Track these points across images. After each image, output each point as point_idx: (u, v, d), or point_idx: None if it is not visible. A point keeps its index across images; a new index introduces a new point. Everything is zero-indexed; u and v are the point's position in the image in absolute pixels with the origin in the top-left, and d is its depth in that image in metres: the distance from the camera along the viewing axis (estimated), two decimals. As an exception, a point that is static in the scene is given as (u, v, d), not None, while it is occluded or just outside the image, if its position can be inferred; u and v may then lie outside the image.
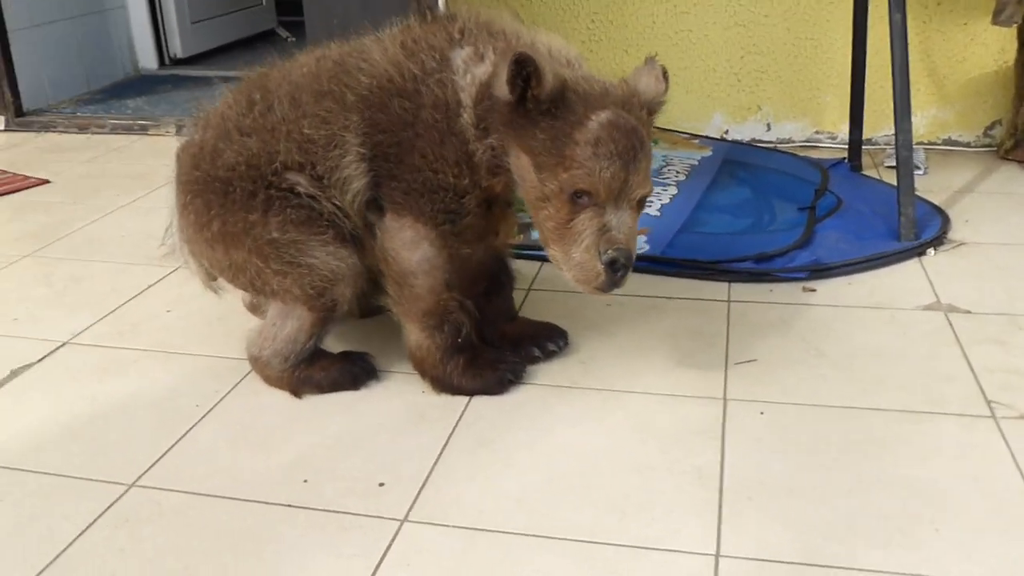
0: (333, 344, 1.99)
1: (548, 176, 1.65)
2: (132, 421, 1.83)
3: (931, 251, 2.50)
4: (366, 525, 1.52)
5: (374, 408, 1.86)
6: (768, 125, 3.56)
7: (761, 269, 2.39)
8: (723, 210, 2.79)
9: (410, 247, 1.80)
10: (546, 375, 1.95)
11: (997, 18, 3.02)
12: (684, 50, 3.54)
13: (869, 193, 2.90)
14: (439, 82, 1.75)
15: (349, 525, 1.52)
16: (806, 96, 3.50)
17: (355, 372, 1.92)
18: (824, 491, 1.57)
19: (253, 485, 1.63)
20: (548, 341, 2.01)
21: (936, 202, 2.82)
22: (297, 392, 1.90)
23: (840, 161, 3.22)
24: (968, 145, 3.42)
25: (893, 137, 2.62)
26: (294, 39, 5.58)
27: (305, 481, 1.64)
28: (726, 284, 2.35)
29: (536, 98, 1.62)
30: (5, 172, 3.40)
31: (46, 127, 4.04)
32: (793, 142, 3.54)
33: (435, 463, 1.68)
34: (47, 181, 3.31)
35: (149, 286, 2.42)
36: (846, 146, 3.25)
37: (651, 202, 2.78)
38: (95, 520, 1.54)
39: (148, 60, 4.97)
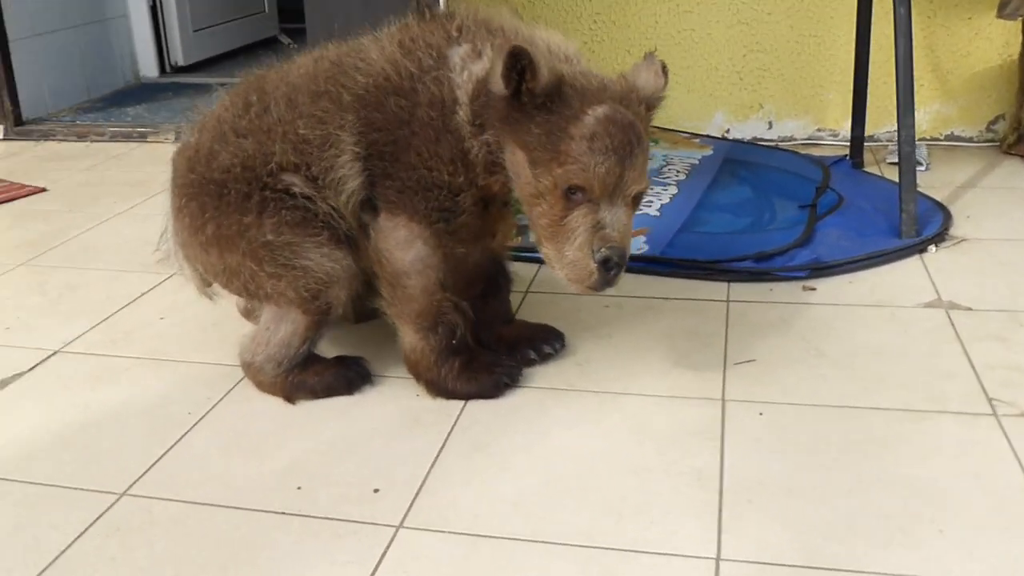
0: (327, 349, 1.97)
1: (542, 171, 1.63)
2: (124, 429, 1.82)
3: (932, 248, 2.47)
4: (361, 532, 1.50)
5: (368, 413, 1.84)
6: (770, 123, 3.54)
7: (761, 268, 2.37)
8: (724, 209, 2.77)
9: (403, 247, 1.78)
10: (543, 378, 1.93)
11: (1002, 12, 3.00)
12: (687, 49, 3.52)
13: (871, 190, 2.88)
14: (435, 80, 1.73)
15: (344, 532, 1.51)
16: (808, 93, 3.48)
17: (350, 376, 1.91)
18: (824, 491, 1.55)
19: (246, 492, 1.61)
20: (544, 344, 1.99)
21: (938, 198, 2.80)
22: (291, 398, 1.88)
23: (842, 158, 3.20)
24: (971, 140, 3.39)
25: (895, 134, 2.61)
26: (296, 46, 5.57)
27: (299, 488, 1.62)
28: (724, 284, 2.32)
29: (531, 91, 1.60)
30: (2, 181, 3.39)
31: (45, 136, 4.03)
32: (795, 140, 3.52)
33: (430, 468, 1.66)
34: (44, 189, 3.30)
35: (143, 293, 2.40)
36: (848, 143, 3.22)
37: (651, 202, 2.77)
38: (86, 529, 1.53)
39: (149, 68, 4.97)
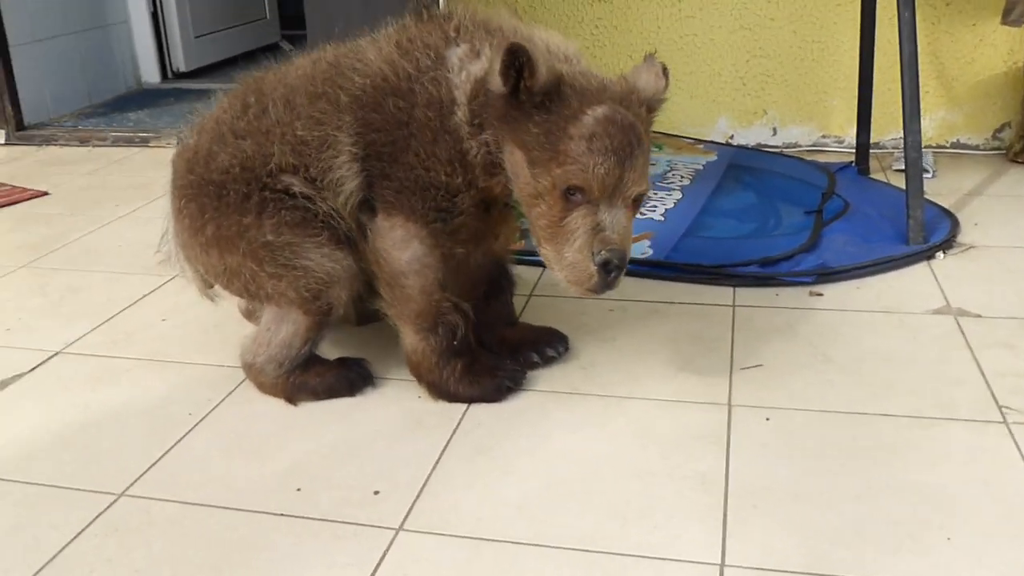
0: (329, 351, 1.96)
1: (541, 171, 1.61)
2: (124, 430, 1.80)
3: (940, 254, 2.46)
4: (361, 534, 1.49)
5: (370, 415, 1.82)
6: (774, 129, 3.52)
7: (767, 273, 2.35)
8: (728, 214, 2.75)
9: (400, 246, 1.77)
10: (546, 381, 1.91)
11: (1007, 18, 2.99)
12: (689, 54, 3.51)
13: (877, 196, 2.86)
14: (433, 80, 1.72)
15: (344, 534, 1.49)
16: (812, 100, 3.47)
17: (351, 378, 1.89)
18: (832, 497, 1.53)
19: (246, 493, 1.59)
20: (548, 347, 1.97)
21: (945, 205, 2.78)
22: (292, 399, 1.86)
23: (847, 165, 3.18)
24: (977, 148, 3.38)
25: (901, 141, 2.59)
26: (297, 52, 5.55)
27: (299, 489, 1.60)
28: (730, 288, 2.31)
29: (529, 90, 1.59)
30: (4, 184, 3.38)
31: (47, 140, 4.03)
32: (799, 146, 3.51)
33: (432, 470, 1.64)
34: (46, 193, 3.29)
35: (145, 295, 2.39)
36: (853, 150, 3.21)
37: (655, 206, 2.75)
38: (83, 529, 1.51)
39: (151, 74, 4.97)
